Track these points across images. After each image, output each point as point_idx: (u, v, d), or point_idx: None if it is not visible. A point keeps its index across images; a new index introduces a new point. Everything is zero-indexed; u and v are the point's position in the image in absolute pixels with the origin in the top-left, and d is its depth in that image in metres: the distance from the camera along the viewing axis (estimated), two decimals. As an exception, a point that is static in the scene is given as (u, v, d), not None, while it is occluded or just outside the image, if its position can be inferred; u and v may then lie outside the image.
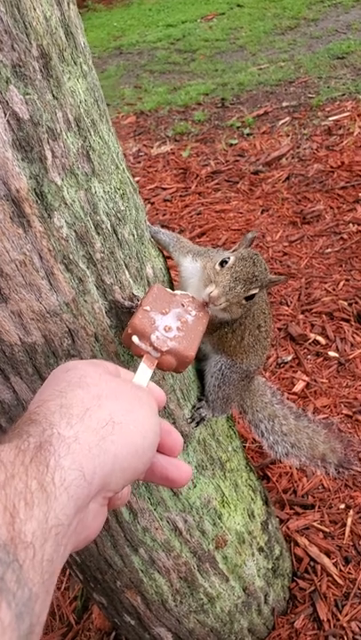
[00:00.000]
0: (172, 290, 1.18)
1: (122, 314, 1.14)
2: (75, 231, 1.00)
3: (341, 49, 6.98)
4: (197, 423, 1.40)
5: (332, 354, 2.95)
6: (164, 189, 4.94)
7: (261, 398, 1.68)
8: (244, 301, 1.21)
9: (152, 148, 5.79)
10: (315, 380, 2.82)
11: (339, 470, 1.69)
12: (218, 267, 1.21)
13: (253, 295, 1.22)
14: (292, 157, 5.00)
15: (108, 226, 1.06)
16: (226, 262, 1.21)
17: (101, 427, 0.64)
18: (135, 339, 0.97)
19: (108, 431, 0.64)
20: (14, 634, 0.44)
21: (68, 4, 0.96)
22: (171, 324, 1.01)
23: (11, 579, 0.46)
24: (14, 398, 1.14)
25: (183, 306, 1.06)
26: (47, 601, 0.51)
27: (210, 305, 1.13)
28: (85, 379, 0.71)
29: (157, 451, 0.78)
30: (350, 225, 3.93)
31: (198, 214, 4.48)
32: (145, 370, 0.91)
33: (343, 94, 5.84)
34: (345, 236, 3.83)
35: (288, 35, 8.26)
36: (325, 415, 2.60)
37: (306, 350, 3.03)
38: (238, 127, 5.79)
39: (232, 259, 1.21)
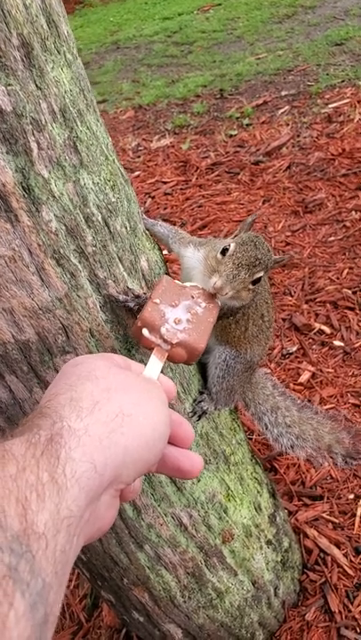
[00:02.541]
0: None
1: (117, 308, 1.12)
2: (64, 225, 0.98)
3: (340, 35, 6.92)
4: (199, 417, 1.38)
5: (337, 343, 2.93)
6: (165, 183, 4.91)
7: (263, 391, 1.65)
8: (251, 286, 1.19)
9: (151, 141, 5.76)
10: (320, 370, 2.79)
11: (347, 461, 1.67)
12: (219, 255, 1.19)
13: (260, 278, 1.20)
14: (293, 146, 4.95)
15: (99, 218, 1.04)
16: (227, 250, 1.19)
17: (111, 419, 0.65)
18: (145, 331, 0.97)
19: (117, 423, 0.65)
20: (29, 623, 0.44)
21: (49, -9, 0.93)
22: (180, 317, 1.00)
23: (24, 569, 0.46)
24: (11, 397, 1.12)
25: (193, 298, 1.05)
26: (61, 591, 0.51)
27: (218, 295, 1.11)
28: (95, 372, 0.72)
29: (169, 442, 0.78)
30: (353, 212, 3.89)
31: (199, 207, 4.45)
32: (155, 362, 0.91)
33: (342, 81, 5.79)
34: (348, 224, 3.79)
35: (286, 23, 8.19)
36: (332, 405, 2.58)
37: (311, 340, 3.01)
38: (238, 118, 5.75)
39: (233, 245, 1.19)
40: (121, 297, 1.10)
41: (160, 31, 9.49)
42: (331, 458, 1.67)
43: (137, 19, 10.87)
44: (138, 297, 1.11)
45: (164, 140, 5.71)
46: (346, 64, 6.19)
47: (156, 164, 5.28)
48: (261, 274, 1.19)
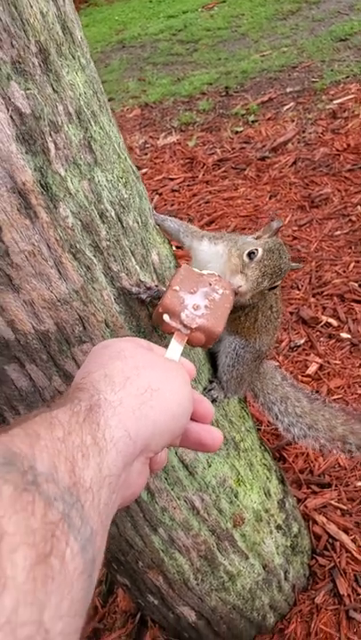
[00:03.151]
0: None
1: (130, 300, 1.17)
2: (80, 220, 1.04)
3: (344, 31, 6.94)
4: (209, 404, 1.43)
5: (344, 335, 2.97)
6: (172, 180, 4.97)
7: (272, 381, 1.69)
8: (266, 291, 1.26)
9: (158, 139, 5.81)
10: (328, 362, 2.84)
11: None
12: (246, 258, 1.25)
13: (277, 286, 1.27)
14: (298, 142, 4.99)
15: (113, 214, 1.10)
16: (254, 254, 1.24)
17: (141, 393, 0.71)
18: (166, 317, 1.03)
19: (147, 397, 0.71)
20: (81, 560, 0.50)
21: (64, -1, 0.99)
22: (199, 303, 1.06)
23: (75, 516, 0.52)
24: (31, 385, 1.18)
25: (210, 285, 1.10)
26: (104, 538, 0.58)
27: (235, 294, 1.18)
28: (124, 352, 0.78)
29: (191, 419, 0.84)
30: (358, 207, 3.93)
31: (206, 203, 4.50)
32: (176, 346, 0.98)
33: (347, 77, 5.82)
34: (353, 218, 3.83)
35: (290, 19, 8.21)
36: (340, 396, 2.62)
37: (318, 333, 3.05)
38: (243, 115, 5.79)
39: (260, 251, 1.24)
40: (134, 289, 1.16)
41: (165, 29, 9.53)
42: (345, 450, 1.70)
43: (142, 17, 10.91)
44: (149, 289, 1.17)
45: (170, 138, 5.76)
46: (350, 59, 6.22)
47: (162, 162, 5.33)
48: (279, 282, 1.26)
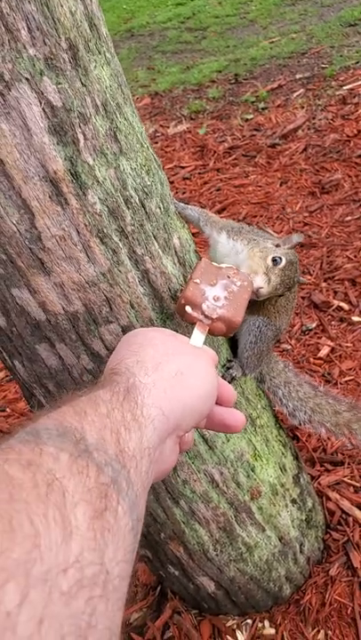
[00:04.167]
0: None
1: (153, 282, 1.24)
2: (107, 206, 1.10)
3: (353, 16, 6.92)
4: (228, 382, 1.50)
5: (355, 318, 3.03)
6: (183, 168, 5.01)
7: (276, 366, 1.75)
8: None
9: (168, 127, 5.85)
10: (339, 345, 2.90)
11: None
12: (271, 262, 1.34)
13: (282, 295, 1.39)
14: (308, 129, 5.02)
15: (137, 200, 1.16)
16: (277, 262, 1.35)
17: (172, 376, 0.79)
18: (188, 308, 1.10)
19: (177, 380, 0.79)
20: (130, 518, 0.57)
21: (90, -3, 1.05)
22: (219, 294, 1.13)
23: (122, 480, 0.59)
24: (60, 364, 1.26)
25: (229, 277, 1.17)
26: (144, 503, 0.65)
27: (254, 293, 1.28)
28: (153, 340, 0.86)
29: (215, 402, 0.92)
30: (369, 192, 3.97)
31: (218, 190, 4.55)
32: (198, 335, 1.06)
33: (357, 62, 5.82)
34: (364, 204, 3.87)
35: (298, 5, 8.18)
36: (351, 377, 2.68)
37: (330, 317, 3.11)
38: (253, 102, 5.81)
39: (284, 261, 1.35)
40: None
41: (173, 17, 9.52)
42: (351, 435, 1.74)
43: (150, 5, 10.88)
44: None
45: (180, 126, 5.79)
46: (360, 45, 6.21)
47: (173, 150, 5.37)
48: (287, 292, 1.40)
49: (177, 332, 1.26)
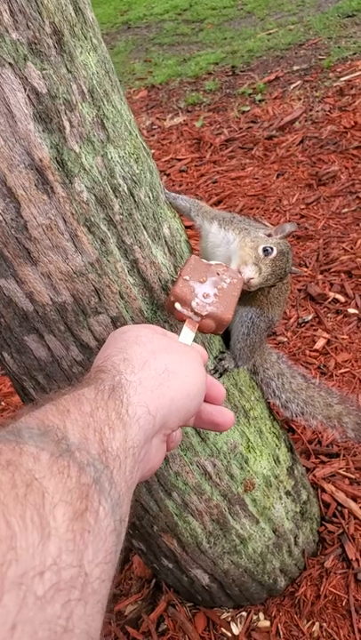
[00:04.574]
0: (191, 254, 1.31)
1: (143, 272, 1.22)
2: (94, 195, 1.08)
3: (351, 7, 6.88)
4: (220, 374, 1.49)
5: (351, 311, 3.02)
6: (180, 160, 4.99)
7: (269, 357, 1.74)
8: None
9: (165, 120, 5.83)
10: (335, 337, 2.88)
11: (356, 435, 1.75)
12: (261, 252, 1.32)
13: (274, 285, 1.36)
14: (305, 120, 5.00)
15: (125, 189, 1.14)
16: (268, 252, 1.32)
17: (159, 374, 0.77)
18: (177, 305, 1.09)
19: (164, 378, 0.78)
20: (112, 519, 0.56)
21: (75, -19, 1.03)
22: (208, 292, 1.12)
23: (105, 480, 0.58)
24: (49, 355, 1.24)
25: (218, 274, 1.17)
26: (129, 504, 0.64)
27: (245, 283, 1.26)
28: (141, 338, 0.85)
29: (204, 401, 0.90)
30: (366, 184, 3.95)
31: (214, 183, 4.53)
32: (188, 332, 1.05)
33: (354, 53, 5.79)
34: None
35: (296, -4, 8.14)
36: (347, 369, 2.67)
37: (326, 309, 3.10)
38: (250, 94, 5.78)
39: (275, 251, 1.32)
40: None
41: (170, 9, 9.47)
42: (341, 428, 1.75)
43: (147, -3, 10.84)
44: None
45: (177, 119, 5.77)
46: (357, 36, 6.18)
47: (170, 142, 5.35)
48: (279, 283, 1.37)
49: (168, 322, 1.25)
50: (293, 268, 1.42)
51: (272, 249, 1.31)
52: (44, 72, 0.95)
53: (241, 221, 1.46)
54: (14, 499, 0.47)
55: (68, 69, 0.99)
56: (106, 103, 1.09)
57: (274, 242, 1.34)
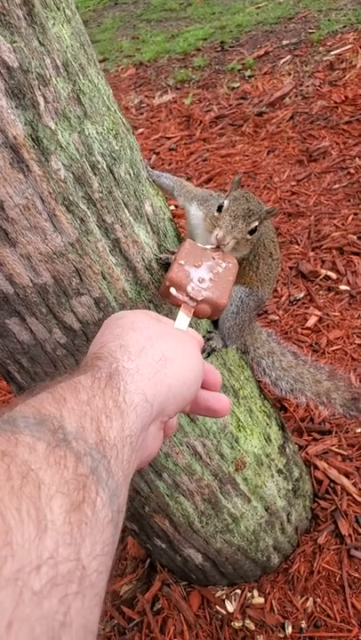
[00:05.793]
0: (180, 237, 1.29)
1: (127, 254, 1.20)
2: (72, 173, 1.06)
3: (341, -22, 6.77)
4: (208, 354, 1.47)
5: (343, 287, 3.00)
6: (169, 139, 4.93)
7: (259, 336, 1.73)
8: (248, 236, 1.28)
9: (154, 98, 5.75)
10: (327, 314, 2.87)
11: (344, 410, 1.75)
12: (216, 213, 1.29)
13: (256, 228, 1.29)
14: (296, 96, 4.93)
15: (104, 166, 1.12)
16: (222, 206, 1.28)
17: (156, 361, 0.76)
18: (173, 290, 1.07)
19: (161, 365, 0.76)
20: (109, 509, 0.55)
21: None
22: (204, 276, 1.11)
23: (102, 470, 0.57)
24: (32, 338, 1.22)
25: (214, 259, 1.15)
26: (126, 493, 0.63)
27: (220, 247, 1.21)
28: (137, 324, 0.83)
29: (200, 387, 0.89)
30: (357, 159, 3.91)
31: (204, 161, 4.48)
32: (183, 317, 1.03)
33: (344, 26, 5.71)
34: (352, 171, 3.82)
35: (285, -32, 8.01)
36: (339, 346, 2.66)
37: (317, 286, 3.08)
38: (239, 70, 5.70)
39: (226, 202, 1.29)
40: (163, 256, 1.23)
41: (157, -16, 9.31)
42: (330, 404, 1.75)
43: (133, -28, 10.64)
44: (173, 253, 1.25)
45: (166, 96, 5.69)
46: (348, 8, 6.09)
47: (159, 121, 5.28)
48: (256, 223, 1.29)
49: (153, 302, 1.23)
50: (267, 207, 1.36)
51: (223, 202, 1.29)
52: (14, 45, 0.92)
53: (213, 197, 1.43)
54: (10, 491, 0.46)
55: (40, 42, 0.96)
56: (82, 77, 1.06)
57: (227, 197, 1.32)
